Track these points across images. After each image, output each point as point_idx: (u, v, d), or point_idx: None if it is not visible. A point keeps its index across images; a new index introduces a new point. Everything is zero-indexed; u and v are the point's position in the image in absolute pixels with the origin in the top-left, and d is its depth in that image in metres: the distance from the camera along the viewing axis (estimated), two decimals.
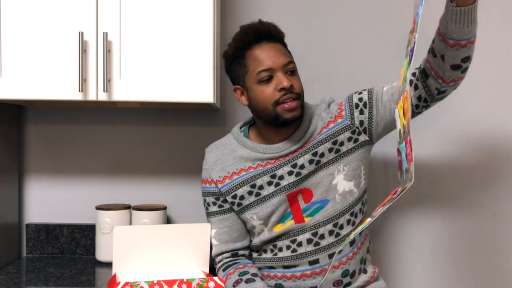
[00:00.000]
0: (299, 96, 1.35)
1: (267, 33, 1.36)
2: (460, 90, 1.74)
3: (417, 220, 1.80)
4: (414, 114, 1.36)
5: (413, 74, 1.32)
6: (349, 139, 1.39)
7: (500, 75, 1.78)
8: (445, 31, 1.17)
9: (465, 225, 1.80)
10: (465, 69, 1.25)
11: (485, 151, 1.79)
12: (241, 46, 1.36)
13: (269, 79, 1.33)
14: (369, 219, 1.10)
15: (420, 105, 1.33)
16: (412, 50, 1.02)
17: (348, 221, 1.39)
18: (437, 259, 1.81)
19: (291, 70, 1.35)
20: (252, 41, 1.35)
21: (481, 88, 1.78)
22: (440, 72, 1.24)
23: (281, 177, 1.38)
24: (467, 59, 1.22)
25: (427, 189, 1.80)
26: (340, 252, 1.36)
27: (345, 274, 1.39)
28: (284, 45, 1.40)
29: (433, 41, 1.24)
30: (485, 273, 1.80)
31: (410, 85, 1.32)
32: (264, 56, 1.33)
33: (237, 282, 1.35)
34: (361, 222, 1.42)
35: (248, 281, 1.34)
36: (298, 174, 1.38)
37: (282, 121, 1.34)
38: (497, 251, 1.80)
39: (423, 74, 1.29)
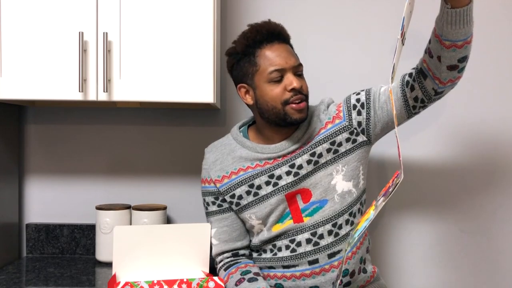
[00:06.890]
0: (307, 98, 1.36)
1: (279, 34, 1.36)
2: (461, 90, 1.76)
3: (417, 220, 1.80)
4: (411, 115, 1.36)
5: (410, 75, 1.32)
6: (347, 139, 1.39)
7: (499, 75, 1.78)
8: (440, 32, 1.17)
9: (465, 225, 1.80)
10: (462, 69, 1.24)
11: (486, 151, 1.79)
12: (253, 44, 1.35)
13: (279, 79, 1.33)
14: (372, 212, 1.06)
15: (417, 105, 1.33)
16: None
17: (347, 221, 1.39)
18: (437, 259, 1.81)
19: (299, 72, 1.36)
20: (264, 40, 1.35)
21: (482, 88, 1.78)
22: (437, 73, 1.24)
23: (279, 177, 1.38)
24: (464, 59, 1.21)
25: (427, 189, 1.80)
26: (348, 247, 1.31)
27: (344, 273, 1.38)
28: (292, 47, 1.40)
29: (429, 42, 1.23)
30: (485, 273, 1.80)
31: (406, 86, 1.32)
32: (276, 55, 1.33)
33: (239, 281, 1.35)
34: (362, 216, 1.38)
35: (251, 280, 1.34)
36: (296, 174, 1.38)
37: (289, 121, 1.34)
38: (497, 251, 1.80)
39: (421, 74, 1.28)
